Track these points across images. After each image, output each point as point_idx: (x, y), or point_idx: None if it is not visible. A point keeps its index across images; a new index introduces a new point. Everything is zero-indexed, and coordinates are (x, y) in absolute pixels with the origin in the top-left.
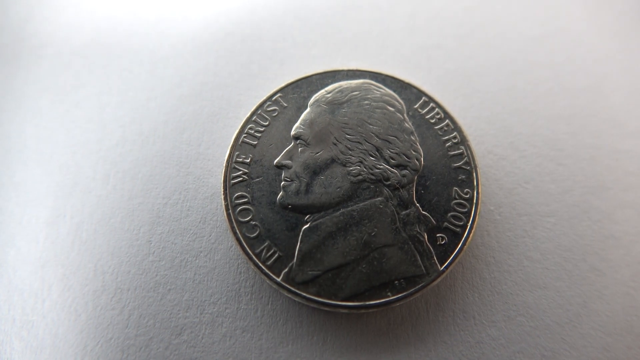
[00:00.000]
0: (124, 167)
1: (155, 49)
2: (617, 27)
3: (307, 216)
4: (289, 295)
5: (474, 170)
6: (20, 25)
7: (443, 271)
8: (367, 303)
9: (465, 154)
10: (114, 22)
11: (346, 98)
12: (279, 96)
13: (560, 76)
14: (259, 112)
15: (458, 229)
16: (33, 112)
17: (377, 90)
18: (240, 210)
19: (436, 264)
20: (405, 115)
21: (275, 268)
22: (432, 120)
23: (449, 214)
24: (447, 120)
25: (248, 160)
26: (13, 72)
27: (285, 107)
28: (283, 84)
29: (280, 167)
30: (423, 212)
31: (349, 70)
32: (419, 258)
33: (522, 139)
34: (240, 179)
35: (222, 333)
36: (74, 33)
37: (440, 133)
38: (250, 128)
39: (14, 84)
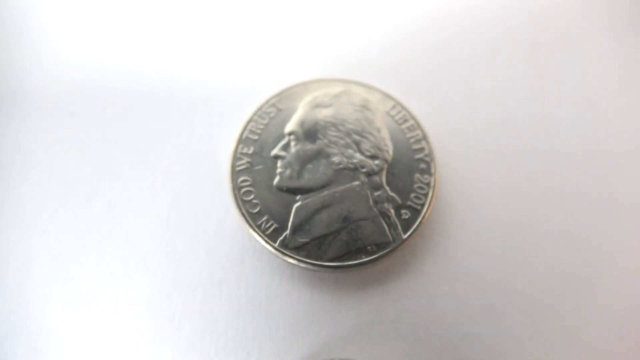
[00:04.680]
0: (148, 158)
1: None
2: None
3: (298, 196)
4: (284, 258)
5: (432, 161)
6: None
7: (406, 240)
8: (346, 264)
9: (426, 148)
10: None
11: (331, 101)
12: (275, 100)
13: (506, 85)
14: (259, 113)
15: (419, 207)
16: None
17: (356, 96)
18: (244, 192)
19: (401, 234)
20: (378, 115)
21: (273, 237)
22: (400, 121)
23: (412, 195)
24: (411, 121)
25: (250, 152)
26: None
27: (281, 109)
28: (277, 91)
29: (276, 157)
30: (391, 194)
31: (332, 79)
32: (387, 229)
33: (471, 136)
34: (244, 166)
35: (228, 291)
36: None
37: (406, 131)
38: (252, 126)
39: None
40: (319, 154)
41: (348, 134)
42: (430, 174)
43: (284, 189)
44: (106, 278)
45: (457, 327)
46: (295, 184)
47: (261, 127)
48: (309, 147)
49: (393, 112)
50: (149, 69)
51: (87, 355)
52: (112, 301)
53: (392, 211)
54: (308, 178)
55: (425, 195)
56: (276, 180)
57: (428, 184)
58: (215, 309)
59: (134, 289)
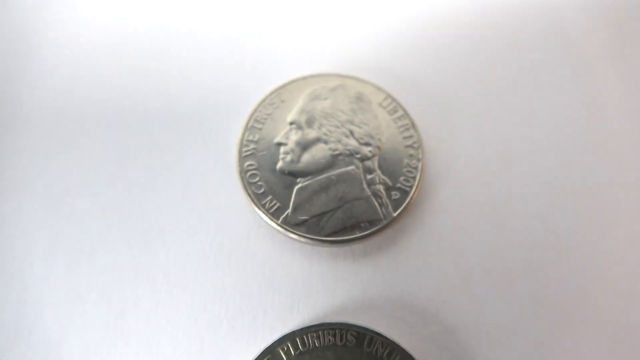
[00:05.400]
0: (163, 145)
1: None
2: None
3: (299, 179)
4: (286, 233)
5: (419, 148)
6: None
7: (396, 217)
8: (342, 239)
9: (414, 136)
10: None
11: (328, 94)
12: (278, 92)
13: (487, 79)
14: (263, 104)
15: (407, 188)
16: None
17: (351, 89)
18: (250, 175)
19: (391, 212)
20: (372, 106)
21: (276, 215)
22: (391, 111)
23: (401, 178)
24: (401, 112)
25: (256, 139)
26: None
27: (283, 101)
28: (280, 84)
29: (279, 144)
30: (383, 177)
31: (329, 74)
32: (378, 208)
33: (455, 126)
34: (250, 152)
35: (236, 262)
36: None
37: (396, 120)
38: (257, 115)
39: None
40: (318, 141)
41: (343, 124)
42: (418, 160)
43: (286, 172)
44: (127, 250)
45: (439, 294)
46: (296, 168)
47: (265, 116)
48: (309, 135)
49: (385, 104)
50: (163, 65)
51: (111, 317)
52: (132, 271)
53: (384, 192)
54: (307, 163)
55: (414, 178)
56: (279, 164)
57: (416, 168)
58: (225, 278)
59: (152, 260)
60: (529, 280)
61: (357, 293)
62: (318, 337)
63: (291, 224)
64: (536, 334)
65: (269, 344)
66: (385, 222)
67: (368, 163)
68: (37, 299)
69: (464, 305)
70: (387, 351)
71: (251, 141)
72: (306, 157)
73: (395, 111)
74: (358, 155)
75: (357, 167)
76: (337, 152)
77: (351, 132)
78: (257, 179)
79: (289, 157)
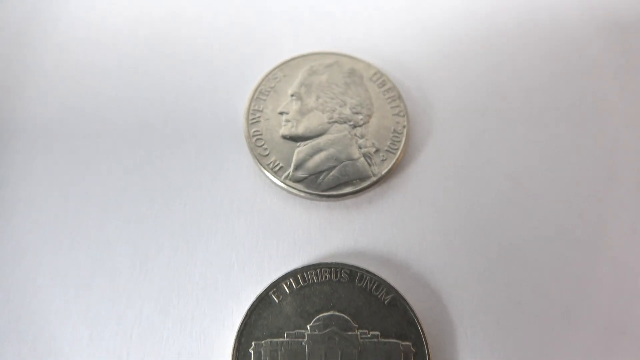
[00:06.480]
0: (179, 115)
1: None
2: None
3: (299, 143)
4: (288, 189)
5: (405, 116)
6: None
7: (384, 176)
8: (337, 193)
9: (400, 106)
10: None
11: (325, 69)
12: (280, 68)
13: (464, 57)
14: (267, 77)
15: (394, 151)
16: None
17: (345, 65)
18: (256, 139)
19: (380, 172)
20: (363, 80)
21: (279, 173)
22: (380, 84)
23: (389, 142)
24: (389, 84)
25: (261, 109)
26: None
27: (285, 75)
28: (282, 61)
29: (281, 113)
30: (372, 141)
31: (326, 52)
32: (369, 168)
33: (437, 98)
34: (256, 120)
35: (244, 215)
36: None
37: (385, 92)
38: (262, 88)
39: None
40: (315, 110)
41: (338, 95)
42: (403, 126)
43: (288, 137)
44: (149, 204)
45: (421, 242)
46: (296, 133)
47: (269, 89)
48: (307, 105)
49: (374, 78)
50: (177, 47)
51: (136, 261)
52: (154, 222)
53: (373, 154)
54: (306, 129)
55: (399, 142)
56: (281, 130)
57: (401, 134)
58: (235, 229)
59: (171, 213)
60: (498, 231)
61: (349, 241)
62: (316, 274)
63: (292, 181)
64: (503, 276)
65: (274, 279)
66: (374, 179)
67: (360, 129)
68: (70, 246)
69: (442, 251)
70: (375, 285)
71: (257, 110)
72: (305, 124)
73: (384, 84)
74: (351, 122)
75: (350, 133)
76: (332, 120)
77: (345, 102)
78: (262, 143)
79: (289, 124)
